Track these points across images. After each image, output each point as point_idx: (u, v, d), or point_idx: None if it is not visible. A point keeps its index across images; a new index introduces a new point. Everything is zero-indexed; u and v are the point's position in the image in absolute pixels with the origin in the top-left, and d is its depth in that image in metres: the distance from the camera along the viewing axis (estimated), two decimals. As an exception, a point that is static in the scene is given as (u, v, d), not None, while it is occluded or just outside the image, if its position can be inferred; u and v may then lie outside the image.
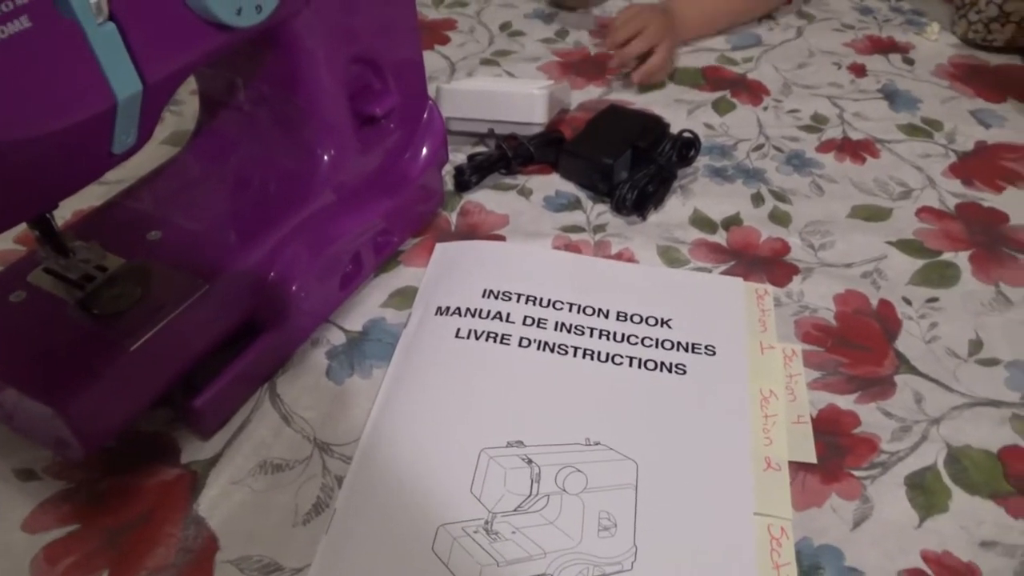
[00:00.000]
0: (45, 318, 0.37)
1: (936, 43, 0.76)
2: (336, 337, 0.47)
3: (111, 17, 0.30)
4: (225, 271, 0.40)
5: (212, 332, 0.40)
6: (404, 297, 0.49)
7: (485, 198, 0.57)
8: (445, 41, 0.77)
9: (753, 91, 0.69)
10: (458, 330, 0.46)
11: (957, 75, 0.71)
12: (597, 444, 0.41)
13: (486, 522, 0.37)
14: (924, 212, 0.56)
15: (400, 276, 0.51)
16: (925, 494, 0.39)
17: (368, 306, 0.49)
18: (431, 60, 0.73)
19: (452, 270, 0.51)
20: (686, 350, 0.45)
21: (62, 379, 0.35)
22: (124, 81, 0.32)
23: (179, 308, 0.38)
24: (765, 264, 0.52)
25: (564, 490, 0.38)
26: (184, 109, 0.65)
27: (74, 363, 0.35)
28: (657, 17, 0.68)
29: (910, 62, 0.73)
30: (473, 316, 0.47)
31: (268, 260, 0.42)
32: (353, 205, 0.48)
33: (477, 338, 0.45)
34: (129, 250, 0.40)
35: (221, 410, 0.42)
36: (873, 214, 0.56)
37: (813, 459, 0.40)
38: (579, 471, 0.39)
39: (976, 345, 0.46)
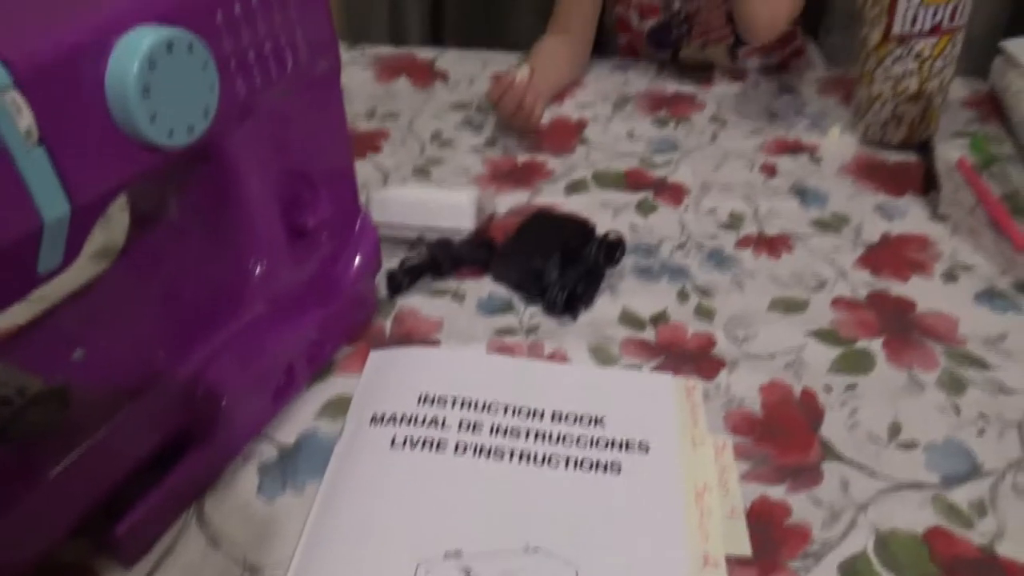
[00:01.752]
0: (-42, 448, 0.36)
1: (839, 143, 0.81)
2: (268, 452, 0.46)
3: (41, 141, 0.31)
4: (151, 389, 0.39)
5: (137, 454, 0.39)
6: (338, 407, 0.49)
7: (419, 303, 0.58)
8: (377, 151, 0.79)
9: (673, 192, 0.72)
10: (393, 439, 0.46)
11: (860, 172, 0.76)
12: (537, 549, 0.40)
13: (425, 639, 0.36)
14: (838, 302, 0.59)
15: (334, 385, 0.51)
16: (858, 582, 0.39)
17: (301, 418, 0.48)
18: (364, 170, 0.74)
19: (387, 377, 0.51)
20: (620, 448, 0.46)
21: (-26, 512, 0.33)
22: (51, 203, 0.32)
23: (101, 431, 0.37)
24: (693, 358, 0.53)
25: (504, 600, 0.38)
26: (114, 223, 0.64)
27: (-13, 494, 0.34)
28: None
29: (816, 161, 0.78)
30: (409, 424, 0.47)
31: (196, 376, 0.42)
32: (286, 316, 0.48)
33: (412, 447, 0.45)
34: (51, 371, 0.39)
35: (145, 536, 0.40)
36: (791, 306, 0.58)
37: (748, 552, 0.41)
38: (517, 579, 0.38)
39: (895, 429, 0.48)
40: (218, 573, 0.39)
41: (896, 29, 0.75)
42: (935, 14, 0.73)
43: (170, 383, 0.41)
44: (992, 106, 0.87)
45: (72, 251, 0.35)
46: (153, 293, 0.47)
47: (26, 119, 0.30)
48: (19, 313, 0.42)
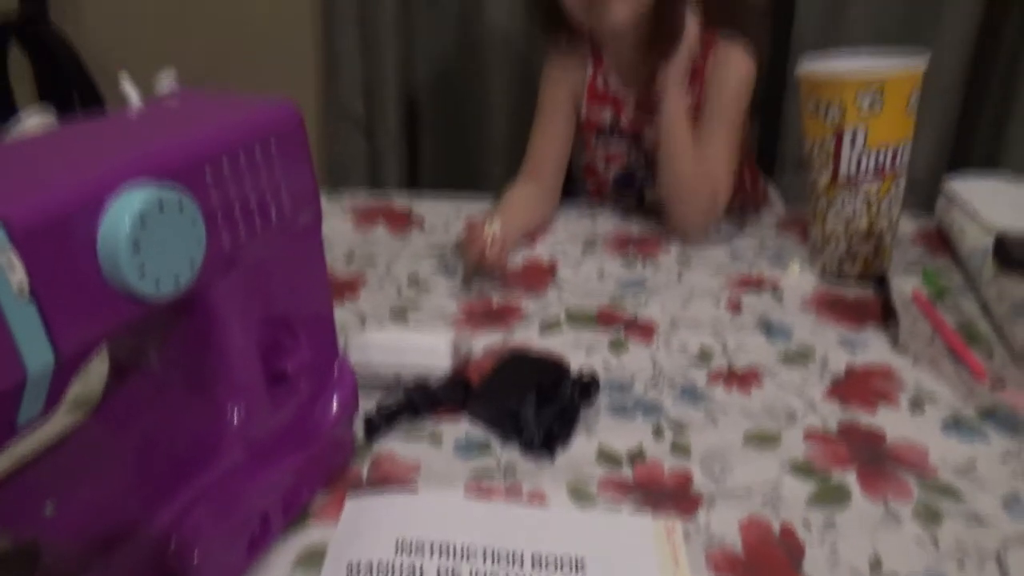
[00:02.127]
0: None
1: (799, 279, 0.85)
2: (241, 607, 0.44)
3: (31, 295, 0.32)
4: (123, 543, 0.39)
5: (104, 613, 0.38)
6: (314, 558, 0.48)
7: (396, 446, 0.58)
8: (356, 295, 0.81)
9: (644, 330, 0.74)
10: (370, 590, 0.45)
11: (821, 306, 0.79)
12: None
13: None
14: (810, 435, 0.60)
15: (310, 534, 0.50)
16: None
17: (276, 570, 0.47)
18: (342, 314, 0.76)
19: (363, 525, 0.50)
20: (602, 592, 0.45)
21: None
22: (37, 355, 0.33)
23: (70, 590, 0.36)
24: (672, 497, 0.53)
25: None
26: (91, 374, 0.64)
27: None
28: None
29: (779, 297, 0.81)
30: (385, 575, 0.46)
31: (170, 528, 0.41)
32: (263, 462, 0.48)
33: (390, 597, 0.44)
34: (20, 527, 0.39)
35: None
36: (765, 440, 0.59)
37: None
38: None
39: (876, 563, 0.48)
40: None
41: (842, 173, 0.80)
42: (878, 158, 0.79)
43: (143, 536, 0.40)
44: (940, 240, 0.92)
45: (52, 401, 0.35)
46: (129, 444, 0.46)
47: (18, 275, 0.32)
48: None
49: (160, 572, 0.40)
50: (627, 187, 1.06)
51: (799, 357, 0.70)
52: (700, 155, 0.92)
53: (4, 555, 0.37)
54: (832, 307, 0.79)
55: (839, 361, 0.69)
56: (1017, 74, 1.41)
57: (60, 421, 0.51)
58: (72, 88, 1.60)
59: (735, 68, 0.93)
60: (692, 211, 0.92)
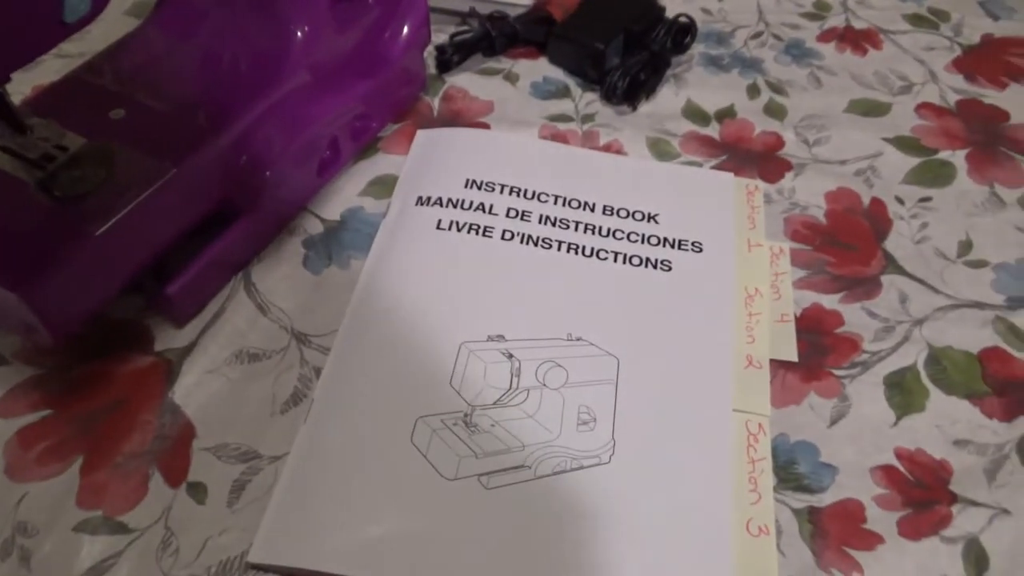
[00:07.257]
0: (5, 200, 0.35)
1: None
2: (313, 226, 0.45)
3: None
4: (193, 154, 0.38)
5: (182, 218, 0.39)
6: (384, 185, 0.48)
7: (469, 83, 0.55)
8: (429, -90, 0.72)
9: (754, -26, 0.65)
10: (439, 221, 0.44)
11: (969, -38, 0.67)
12: (579, 339, 0.40)
13: (465, 415, 0.37)
14: (924, 108, 0.54)
15: (379, 163, 0.49)
16: (903, 393, 0.39)
17: (346, 194, 0.47)
18: (414, -70, 0.68)
19: (434, 158, 0.49)
20: (672, 246, 0.44)
21: (25, 263, 0.33)
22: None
23: (146, 192, 0.36)
24: (758, 159, 0.50)
25: (544, 384, 0.38)
26: (148, -23, 0.60)
27: (37, 247, 0.34)
28: None
29: (921, -53, 0.69)
30: (455, 207, 0.45)
31: (240, 143, 0.40)
32: (330, 87, 0.46)
33: (459, 230, 0.44)
34: (90, 129, 0.38)
35: (195, 298, 0.41)
36: (871, 109, 0.54)
37: (795, 357, 0.40)
38: (560, 366, 0.38)
39: (965, 246, 0.45)
40: (266, 338, 0.40)
41: None
42: None
43: (212, 149, 0.39)
44: None
45: (99, -1, 0.32)
46: (190, 53, 0.44)
47: None
48: (53, 68, 0.40)
49: (233, 188, 0.40)
50: None
51: (930, 20, 0.61)
52: None
53: (79, 153, 0.37)
54: (982, -37, 0.67)
55: (977, 29, 0.61)
56: None
57: (120, 24, 0.49)
58: None
59: None
60: None
